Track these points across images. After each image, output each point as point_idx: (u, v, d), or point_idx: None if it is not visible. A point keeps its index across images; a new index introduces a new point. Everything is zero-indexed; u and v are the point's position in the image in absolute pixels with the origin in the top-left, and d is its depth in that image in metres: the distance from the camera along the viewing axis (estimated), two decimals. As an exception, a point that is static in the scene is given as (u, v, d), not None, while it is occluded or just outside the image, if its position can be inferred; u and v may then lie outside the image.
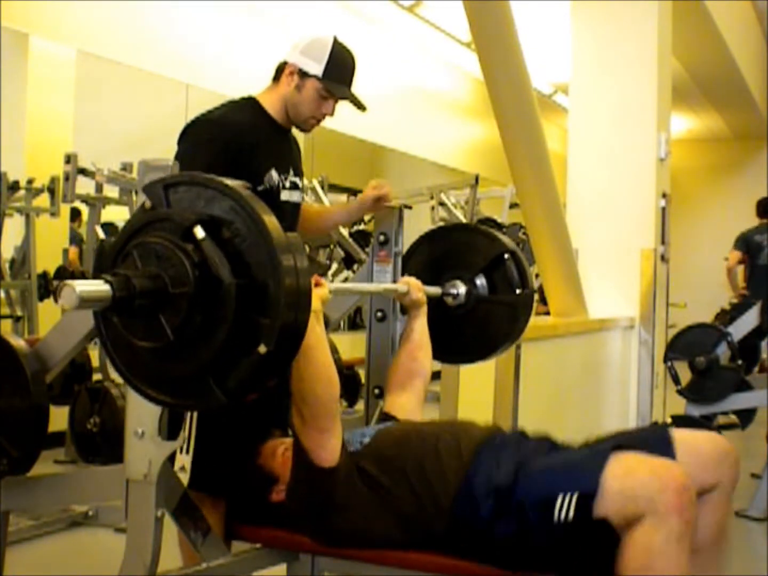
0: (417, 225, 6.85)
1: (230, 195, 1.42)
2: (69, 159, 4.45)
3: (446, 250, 2.54)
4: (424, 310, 2.34)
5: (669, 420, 4.12)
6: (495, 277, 2.48)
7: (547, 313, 5.13)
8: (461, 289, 2.46)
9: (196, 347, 1.39)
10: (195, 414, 1.88)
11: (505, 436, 1.94)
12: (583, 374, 5.14)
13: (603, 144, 5.63)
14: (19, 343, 1.84)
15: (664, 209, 5.65)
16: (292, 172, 2.31)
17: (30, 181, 4.88)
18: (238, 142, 2.15)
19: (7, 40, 4.92)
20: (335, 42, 2.27)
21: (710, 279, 11.60)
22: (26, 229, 4.90)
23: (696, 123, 11.49)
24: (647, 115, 5.56)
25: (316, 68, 2.23)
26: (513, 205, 6.78)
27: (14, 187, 4.81)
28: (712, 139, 12.32)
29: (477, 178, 6.18)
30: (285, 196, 2.28)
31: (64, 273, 4.87)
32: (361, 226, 6.37)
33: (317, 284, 1.86)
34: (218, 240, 1.39)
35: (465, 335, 2.50)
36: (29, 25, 5.01)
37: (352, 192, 6.57)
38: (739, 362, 4.41)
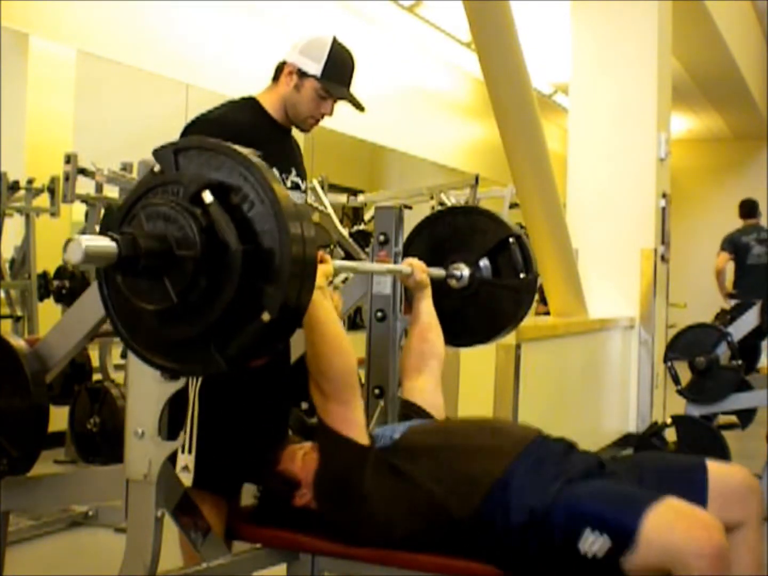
0: (417, 225, 6.86)
1: (240, 161, 1.42)
2: (69, 159, 4.45)
3: (450, 233, 2.53)
4: (429, 291, 2.33)
5: (669, 420, 4.12)
6: (499, 261, 2.48)
7: (547, 313, 5.14)
8: (465, 271, 2.46)
9: (199, 312, 1.38)
10: (196, 412, 1.88)
11: (549, 445, 1.91)
12: (583, 374, 5.14)
13: (603, 144, 5.63)
14: (19, 343, 1.84)
15: (664, 209, 5.66)
16: (293, 172, 2.30)
17: (30, 181, 4.87)
18: (239, 142, 2.14)
19: (7, 40, 4.92)
20: (334, 42, 2.27)
21: (710, 279, 11.54)
22: (26, 229, 4.90)
23: (696, 123, 11.49)
24: (647, 115, 5.57)
25: (315, 68, 2.23)
26: (513, 205, 6.77)
27: (14, 187, 4.80)
28: (712, 139, 12.32)
29: (477, 178, 6.18)
30: None
31: (64, 273, 4.87)
32: (361, 226, 6.37)
33: (322, 260, 1.86)
34: (226, 205, 1.38)
35: (468, 318, 2.50)
36: (29, 25, 5.01)
37: (352, 192, 6.57)
38: (739, 362, 4.41)
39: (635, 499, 1.70)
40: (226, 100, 2.31)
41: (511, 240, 2.46)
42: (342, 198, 6.44)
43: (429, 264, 2.38)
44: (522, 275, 2.46)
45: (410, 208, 5.34)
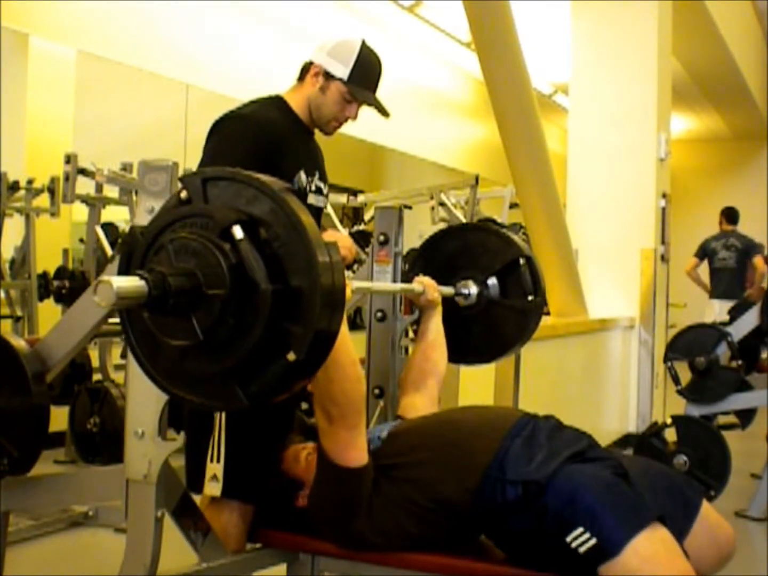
0: (417, 225, 6.87)
1: (270, 195, 1.39)
2: (69, 159, 4.45)
3: (460, 250, 2.52)
4: (439, 309, 2.33)
5: (669, 420, 4.12)
6: (508, 281, 2.46)
7: (547, 313, 5.13)
8: (473, 289, 2.45)
9: (224, 350, 1.36)
10: (224, 421, 1.88)
11: (538, 422, 1.92)
12: (583, 374, 5.14)
13: (603, 144, 5.63)
14: (19, 343, 1.84)
15: (664, 209, 5.66)
16: (317, 176, 2.28)
17: (30, 181, 4.87)
18: (270, 140, 2.13)
19: (7, 40, 4.92)
20: (363, 46, 2.24)
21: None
22: (26, 229, 4.90)
23: (696, 123, 11.49)
24: (647, 115, 5.57)
25: (342, 71, 2.21)
26: (513, 205, 6.77)
27: (14, 187, 4.80)
28: (712, 139, 12.32)
29: (477, 178, 6.18)
30: (311, 200, 2.25)
31: (64, 273, 4.87)
32: (361, 226, 6.37)
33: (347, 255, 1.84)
34: (255, 241, 1.36)
35: (473, 336, 2.49)
36: (29, 25, 5.01)
37: (352, 192, 6.57)
38: (739, 362, 4.41)
39: (635, 513, 1.69)
40: (254, 98, 2.27)
41: (521, 261, 2.45)
42: (342, 198, 6.44)
43: (437, 279, 2.37)
44: (530, 297, 2.45)
45: (410, 208, 5.34)
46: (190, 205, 1.43)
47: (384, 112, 2.28)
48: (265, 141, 2.12)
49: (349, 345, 1.77)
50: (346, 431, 1.79)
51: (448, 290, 2.42)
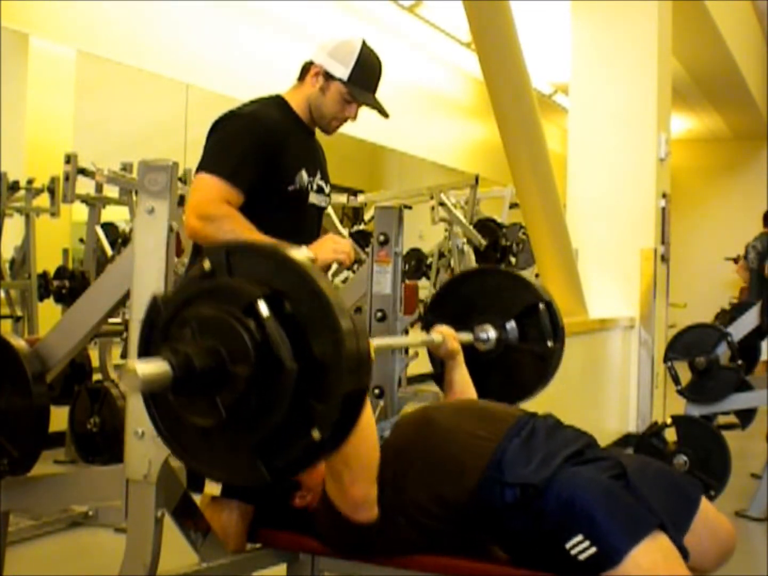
0: (417, 225, 6.87)
1: (293, 267, 1.36)
2: (69, 159, 4.45)
3: (478, 293, 2.48)
4: (461, 358, 2.29)
5: (669, 420, 4.12)
6: (527, 325, 2.42)
7: (547, 313, 5.13)
8: (491, 333, 2.40)
9: (248, 428, 1.34)
10: None
11: (537, 420, 1.91)
12: (583, 374, 5.14)
13: (603, 144, 5.63)
14: (19, 343, 1.84)
15: (664, 209, 5.66)
16: (319, 175, 2.28)
17: (30, 181, 4.87)
18: (271, 139, 2.14)
19: (7, 40, 4.92)
20: (363, 46, 2.24)
21: (710, 279, 11.62)
22: (26, 229, 4.90)
23: (696, 123, 11.49)
24: (647, 115, 5.57)
25: (342, 71, 2.21)
26: (513, 205, 6.78)
27: (14, 187, 4.81)
28: (712, 139, 12.33)
29: (477, 178, 6.19)
30: (312, 199, 2.25)
31: (64, 273, 4.87)
32: (361, 226, 6.38)
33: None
34: (280, 315, 1.33)
35: (492, 380, 2.43)
36: (29, 25, 5.01)
37: (352, 192, 6.57)
38: (739, 362, 4.41)
39: (636, 522, 1.68)
40: (254, 98, 2.28)
41: (540, 306, 2.41)
42: (342, 198, 6.44)
43: (455, 323, 2.34)
44: (549, 343, 2.40)
45: (410, 208, 5.34)
46: (214, 278, 1.40)
47: (383, 113, 2.28)
48: (266, 140, 2.13)
49: (369, 407, 1.72)
50: (358, 495, 1.75)
51: (467, 337, 2.37)
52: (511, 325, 2.41)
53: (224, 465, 1.41)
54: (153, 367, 1.28)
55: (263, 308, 1.32)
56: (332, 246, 2.16)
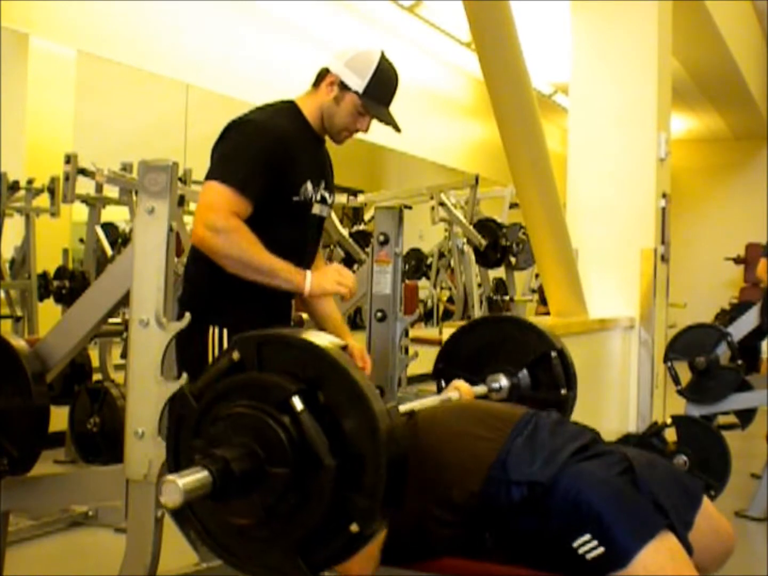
0: (417, 225, 6.87)
1: (326, 359, 1.34)
2: (69, 159, 4.45)
3: (488, 342, 2.48)
4: None
5: (669, 420, 4.11)
6: (539, 374, 2.42)
7: (547, 314, 5.13)
8: (504, 383, 2.38)
9: (287, 526, 1.33)
10: None
11: (540, 418, 1.90)
12: (583, 374, 5.13)
13: (603, 144, 5.63)
14: (19, 343, 1.84)
15: (664, 209, 5.65)
16: (323, 185, 2.27)
17: (30, 181, 4.87)
18: (281, 151, 2.12)
19: (7, 40, 4.92)
20: (382, 59, 2.22)
21: (710, 279, 11.63)
22: (26, 229, 4.90)
23: (696, 123, 11.49)
24: (647, 115, 5.56)
25: (358, 84, 2.18)
26: (513, 205, 6.78)
27: (14, 187, 4.80)
28: (712, 139, 12.33)
29: (477, 178, 6.18)
30: (316, 209, 2.24)
31: (64, 273, 4.87)
32: (361, 226, 6.38)
33: (364, 367, 1.80)
34: (314, 408, 1.32)
35: None
36: (29, 25, 5.01)
37: (352, 192, 6.57)
38: (739, 362, 4.41)
39: (644, 522, 1.68)
40: (267, 103, 2.25)
41: (552, 354, 2.42)
42: (342, 198, 6.44)
43: (467, 373, 2.34)
44: (563, 391, 2.41)
45: (410, 208, 5.34)
46: (245, 373, 1.38)
47: (396, 128, 2.26)
48: (276, 151, 2.11)
49: None
50: (354, 568, 1.70)
51: (482, 389, 2.36)
52: (523, 373, 2.40)
53: (262, 562, 1.40)
54: (194, 479, 1.26)
55: (297, 403, 1.30)
56: (336, 278, 2.15)
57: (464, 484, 1.79)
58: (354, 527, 1.31)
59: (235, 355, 1.39)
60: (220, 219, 2.01)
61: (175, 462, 1.44)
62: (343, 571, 1.69)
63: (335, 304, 2.39)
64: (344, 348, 1.40)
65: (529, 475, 1.74)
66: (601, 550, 1.64)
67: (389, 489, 1.32)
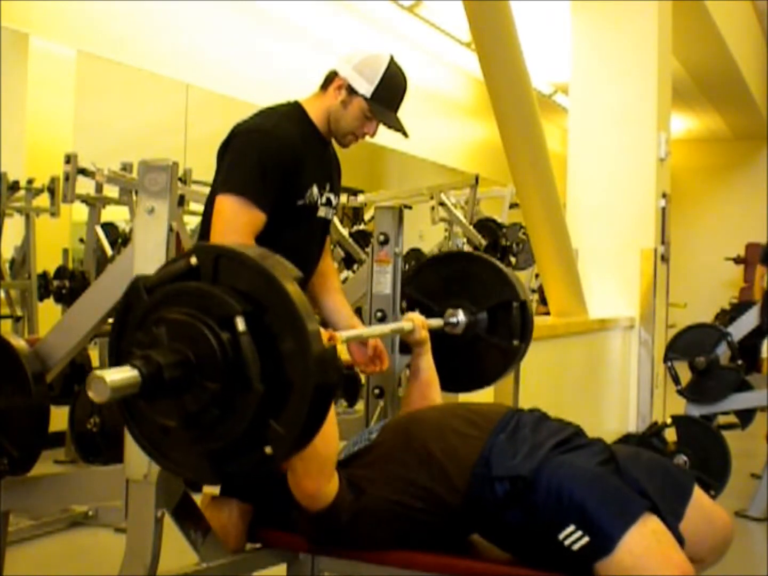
0: (417, 225, 6.86)
1: (277, 287, 1.36)
2: (69, 159, 4.45)
3: (457, 276, 2.51)
4: (428, 346, 2.31)
5: (669, 420, 4.12)
6: (498, 319, 2.45)
7: (547, 313, 5.14)
8: (461, 318, 2.43)
9: (206, 433, 1.38)
10: None
11: (522, 415, 1.92)
12: (583, 374, 5.14)
13: (603, 144, 5.63)
14: (19, 343, 1.84)
15: (664, 209, 5.65)
16: (328, 188, 2.26)
17: (30, 181, 4.87)
18: (289, 159, 2.11)
19: (7, 40, 4.92)
20: (390, 63, 2.22)
21: (710, 279, 11.63)
22: (26, 229, 4.90)
23: (696, 123, 11.49)
24: (647, 115, 5.57)
25: (366, 88, 2.18)
26: (513, 205, 6.78)
27: (14, 187, 4.80)
28: (712, 139, 12.33)
29: (477, 178, 6.18)
30: (321, 213, 2.24)
31: (64, 273, 4.87)
32: (361, 226, 6.37)
33: (330, 338, 1.83)
34: (255, 331, 1.34)
35: (454, 364, 2.47)
36: (29, 25, 5.01)
37: (352, 192, 6.57)
38: (739, 362, 4.41)
39: (625, 507, 1.68)
40: (272, 106, 2.23)
41: (514, 304, 2.44)
42: (342, 198, 6.43)
43: (430, 301, 2.37)
44: (515, 341, 2.45)
45: (410, 208, 5.34)
46: (198, 282, 1.40)
47: (404, 134, 2.26)
48: (285, 159, 2.09)
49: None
50: (309, 484, 1.76)
51: (437, 323, 2.40)
52: (483, 315, 2.45)
53: (180, 462, 1.45)
54: (122, 378, 1.29)
55: (240, 324, 1.33)
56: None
57: (451, 483, 1.80)
58: (268, 450, 1.36)
59: (193, 260, 1.42)
60: (240, 241, 1.97)
61: (117, 350, 1.48)
62: (298, 486, 1.74)
63: (343, 297, 2.40)
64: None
65: (510, 470, 1.76)
66: (586, 539, 1.65)
67: (308, 421, 1.36)
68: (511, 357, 2.48)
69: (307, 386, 1.34)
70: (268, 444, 1.36)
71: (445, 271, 2.54)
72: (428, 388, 2.29)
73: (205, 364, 1.33)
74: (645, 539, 1.65)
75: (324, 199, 2.24)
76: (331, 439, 1.75)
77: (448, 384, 2.46)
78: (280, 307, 1.35)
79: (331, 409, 1.73)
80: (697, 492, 1.88)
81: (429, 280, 2.53)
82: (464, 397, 3.32)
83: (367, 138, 2.34)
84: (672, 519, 1.73)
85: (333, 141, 2.31)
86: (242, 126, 2.14)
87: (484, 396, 3.60)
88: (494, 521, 1.78)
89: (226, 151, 2.13)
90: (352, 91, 2.19)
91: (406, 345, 2.36)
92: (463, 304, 2.45)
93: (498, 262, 2.57)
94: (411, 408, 2.26)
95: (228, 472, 1.42)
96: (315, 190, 2.19)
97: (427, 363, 2.31)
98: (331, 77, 2.22)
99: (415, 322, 2.28)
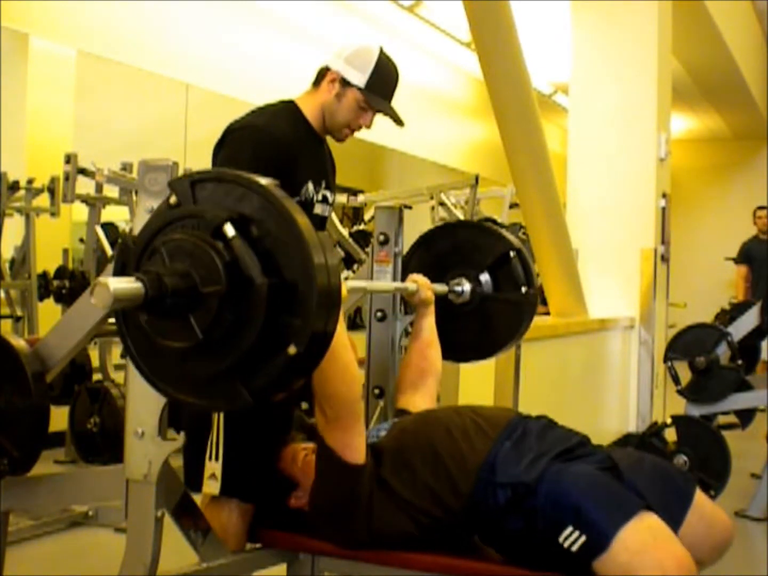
0: (417, 225, 6.85)
1: (260, 193, 1.39)
2: (69, 159, 4.45)
3: (451, 248, 2.53)
4: (432, 308, 2.34)
5: (669, 420, 4.12)
6: (500, 275, 2.47)
7: (547, 313, 5.14)
8: (466, 286, 2.45)
9: (224, 347, 1.37)
10: (222, 419, 1.89)
11: (528, 423, 1.93)
12: (583, 374, 5.14)
13: (603, 144, 5.63)
14: (19, 343, 1.84)
15: (664, 209, 5.66)
16: (324, 185, 2.27)
17: (30, 181, 4.87)
18: (283, 154, 2.11)
19: (7, 40, 4.92)
20: (381, 53, 2.23)
21: (710, 279, 11.61)
22: (26, 229, 4.90)
23: (696, 123, 11.49)
24: (647, 115, 5.57)
25: (359, 78, 2.19)
26: (513, 205, 6.77)
27: (14, 187, 4.80)
28: (712, 139, 12.32)
29: (477, 178, 6.17)
30: (317, 210, 2.24)
31: (64, 273, 4.87)
32: (361, 226, 6.37)
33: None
34: (248, 238, 1.37)
35: (469, 333, 2.49)
36: (29, 25, 5.01)
37: (352, 192, 6.57)
38: (739, 362, 4.41)
39: (619, 505, 1.69)
40: (265, 105, 2.24)
41: (511, 254, 2.45)
42: (342, 198, 6.43)
43: (430, 278, 2.38)
44: (523, 289, 2.45)
45: (410, 207, 5.34)
46: (180, 207, 1.43)
47: (399, 122, 2.26)
48: (278, 155, 2.10)
49: (347, 345, 1.77)
50: (341, 432, 1.80)
51: (442, 288, 2.42)
52: (485, 276, 2.46)
53: (203, 391, 1.43)
54: (125, 283, 1.30)
55: (230, 230, 1.35)
56: None
57: (456, 487, 1.81)
58: (291, 349, 1.35)
59: (173, 199, 1.44)
60: None
61: None
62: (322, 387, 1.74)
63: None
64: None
65: (513, 477, 1.77)
66: (583, 539, 1.66)
67: (322, 315, 1.36)
68: (524, 307, 2.48)
69: (311, 278, 1.35)
70: (289, 343, 1.35)
71: (437, 247, 2.55)
72: (428, 348, 2.30)
73: (204, 273, 1.34)
74: (640, 535, 1.65)
75: (320, 196, 2.25)
76: (354, 381, 1.79)
77: (469, 354, 2.50)
78: (266, 211, 1.38)
79: (347, 344, 1.75)
80: (699, 496, 1.88)
81: (424, 260, 2.53)
82: (469, 396, 3.33)
83: (367, 137, 2.34)
84: (671, 525, 1.73)
85: (328, 137, 2.31)
86: (235, 124, 2.15)
87: (484, 396, 3.61)
88: (495, 528, 1.79)
89: (220, 149, 2.14)
90: (345, 83, 2.20)
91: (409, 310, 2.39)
92: (463, 273, 2.46)
93: (483, 223, 2.59)
94: (410, 368, 2.28)
95: (259, 387, 1.38)
96: (310, 186, 2.20)
97: (429, 324, 2.33)
98: (323, 72, 2.24)
99: (419, 282, 2.31)
